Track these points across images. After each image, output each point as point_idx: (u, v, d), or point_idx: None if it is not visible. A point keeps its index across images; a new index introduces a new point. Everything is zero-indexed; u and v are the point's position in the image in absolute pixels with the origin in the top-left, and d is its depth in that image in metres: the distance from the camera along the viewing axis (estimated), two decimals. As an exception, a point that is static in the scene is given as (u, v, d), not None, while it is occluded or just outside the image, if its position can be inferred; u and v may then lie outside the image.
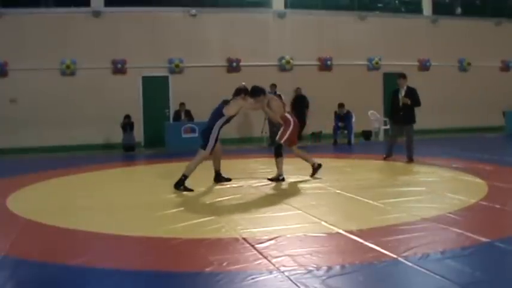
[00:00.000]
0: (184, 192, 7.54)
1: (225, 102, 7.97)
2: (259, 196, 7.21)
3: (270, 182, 8.26)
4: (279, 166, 8.38)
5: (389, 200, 6.47)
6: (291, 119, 8.44)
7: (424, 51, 18.47)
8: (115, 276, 4.08)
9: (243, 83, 8.22)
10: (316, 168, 8.58)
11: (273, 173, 8.93)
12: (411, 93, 10.39)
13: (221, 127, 7.87)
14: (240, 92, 8.01)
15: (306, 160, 8.80)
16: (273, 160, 8.57)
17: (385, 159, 10.67)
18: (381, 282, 3.81)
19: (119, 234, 5.22)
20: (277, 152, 8.38)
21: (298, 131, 8.89)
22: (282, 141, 8.39)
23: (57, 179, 9.43)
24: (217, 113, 7.88)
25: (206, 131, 7.85)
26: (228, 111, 7.82)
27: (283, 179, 8.35)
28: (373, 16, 18.24)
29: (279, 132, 8.54)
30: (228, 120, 7.94)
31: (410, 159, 10.22)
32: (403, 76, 10.63)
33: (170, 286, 3.91)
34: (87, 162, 12.39)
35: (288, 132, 8.37)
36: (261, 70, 16.51)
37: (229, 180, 8.29)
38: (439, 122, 18.31)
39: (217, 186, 8.05)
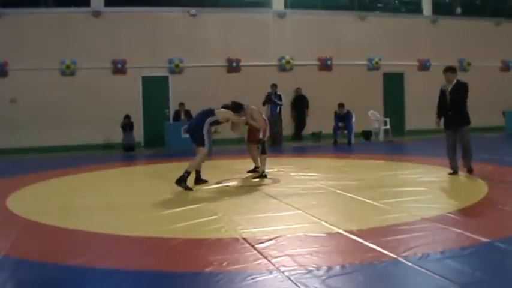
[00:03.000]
0: (184, 193, 7.54)
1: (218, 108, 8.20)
2: (259, 196, 7.21)
3: (270, 182, 8.27)
4: (264, 163, 8.77)
5: (389, 200, 6.46)
6: (266, 120, 9.17)
7: (424, 51, 18.47)
8: (115, 276, 4.08)
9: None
10: (257, 171, 8.96)
11: (273, 173, 8.97)
12: (459, 88, 8.55)
13: (211, 124, 8.00)
14: (228, 108, 8.32)
15: (254, 161, 9.22)
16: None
17: (451, 174, 8.52)
18: (381, 282, 3.81)
19: (119, 234, 5.22)
20: (263, 149, 8.80)
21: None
22: (265, 138, 8.90)
23: (57, 179, 9.43)
24: (208, 112, 8.00)
25: (195, 128, 7.91)
26: (219, 113, 7.98)
27: (265, 175, 8.63)
28: (373, 16, 18.24)
29: (260, 133, 8.88)
30: (213, 123, 8.06)
31: (469, 170, 8.41)
32: (450, 70, 8.69)
33: (170, 286, 3.91)
34: (87, 162, 12.40)
35: (268, 131, 9.03)
36: (261, 70, 16.54)
37: (206, 181, 8.31)
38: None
39: (217, 187, 8.05)
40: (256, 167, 9.16)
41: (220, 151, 11.52)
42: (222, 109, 8.16)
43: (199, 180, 8.29)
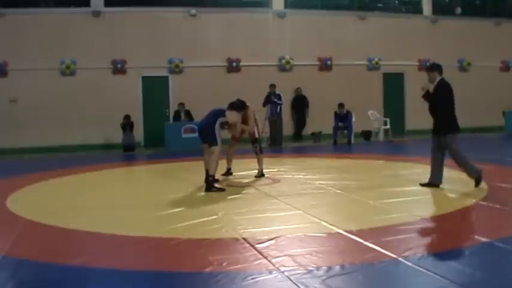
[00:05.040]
0: (184, 193, 7.55)
1: (230, 108, 8.16)
2: (259, 196, 7.21)
3: (270, 182, 8.27)
4: (261, 162, 8.84)
5: (390, 200, 6.47)
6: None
7: (424, 51, 18.44)
8: (115, 276, 4.08)
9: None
10: (230, 173, 9.08)
11: (273, 173, 8.97)
12: (438, 89, 7.33)
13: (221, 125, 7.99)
14: (242, 107, 8.31)
15: (228, 161, 9.17)
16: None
17: (423, 185, 7.46)
18: (380, 282, 3.81)
19: (119, 234, 5.22)
20: (260, 149, 8.88)
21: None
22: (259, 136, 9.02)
23: (57, 179, 9.43)
24: (220, 112, 7.98)
25: (207, 127, 7.89)
26: (229, 116, 7.96)
27: (264, 174, 8.75)
28: (373, 16, 18.23)
29: (256, 132, 8.90)
30: (223, 123, 8.06)
31: (476, 182, 7.17)
32: (429, 67, 7.58)
33: (170, 286, 3.91)
34: (87, 162, 12.39)
35: (258, 129, 8.98)
36: (261, 70, 16.53)
37: (217, 181, 8.29)
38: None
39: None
40: (228, 169, 9.05)
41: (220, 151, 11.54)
42: (233, 111, 8.09)
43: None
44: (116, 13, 15.85)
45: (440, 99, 7.32)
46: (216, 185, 7.75)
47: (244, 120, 8.58)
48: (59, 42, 15.36)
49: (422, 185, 7.45)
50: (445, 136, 7.25)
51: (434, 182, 7.36)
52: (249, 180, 8.56)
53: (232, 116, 8.04)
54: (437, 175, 7.38)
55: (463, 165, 7.29)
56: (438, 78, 7.38)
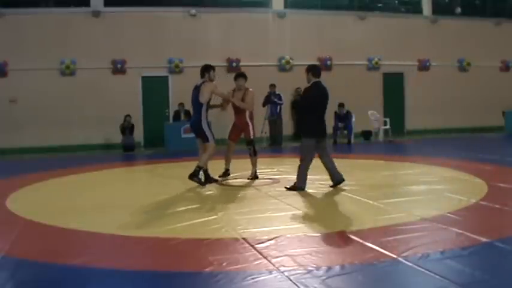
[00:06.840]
0: (184, 193, 7.55)
1: (197, 88, 8.16)
2: (259, 196, 7.21)
3: (270, 182, 8.27)
4: (255, 164, 8.72)
5: (389, 200, 6.46)
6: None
7: (424, 51, 18.47)
8: (115, 276, 4.08)
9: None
10: (228, 174, 8.82)
11: (272, 173, 8.97)
12: (306, 90, 7.45)
13: (207, 112, 8.05)
14: (206, 69, 8.26)
15: (227, 162, 8.91)
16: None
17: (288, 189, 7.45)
18: (380, 282, 3.81)
19: (119, 234, 5.22)
20: (255, 150, 8.73)
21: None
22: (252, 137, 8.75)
23: (57, 179, 9.42)
24: (197, 104, 8.05)
25: (196, 124, 8.00)
26: (203, 98, 7.97)
27: (257, 176, 8.64)
28: (373, 16, 18.23)
29: (251, 132, 8.74)
30: (208, 104, 8.09)
31: (293, 188, 7.31)
32: (306, 69, 7.45)
33: (170, 286, 3.91)
34: (87, 162, 12.39)
35: (253, 130, 8.72)
36: (261, 70, 16.50)
37: (216, 181, 8.29)
38: (438, 122, 18.31)
39: (217, 186, 8.05)
40: (226, 170, 8.88)
41: (220, 151, 11.51)
42: (203, 89, 8.00)
43: (209, 179, 8.25)
44: (115, 13, 15.85)
45: (304, 101, 7.37)
46: (205, 178, 7.82)
47: (243, 100, 8.59)
48: (59, 42, 15.37)
49: (331, 186, 7.51)
50: (302, 138, 7.33)
51: (336, 180, 7.48)
52: (249, 181, 8.55)
53: (205, 94, 7.94)
54: (336, 174, 7.51)
55: (298, 172, 7.37)
56: (313, 80, 7.32)
